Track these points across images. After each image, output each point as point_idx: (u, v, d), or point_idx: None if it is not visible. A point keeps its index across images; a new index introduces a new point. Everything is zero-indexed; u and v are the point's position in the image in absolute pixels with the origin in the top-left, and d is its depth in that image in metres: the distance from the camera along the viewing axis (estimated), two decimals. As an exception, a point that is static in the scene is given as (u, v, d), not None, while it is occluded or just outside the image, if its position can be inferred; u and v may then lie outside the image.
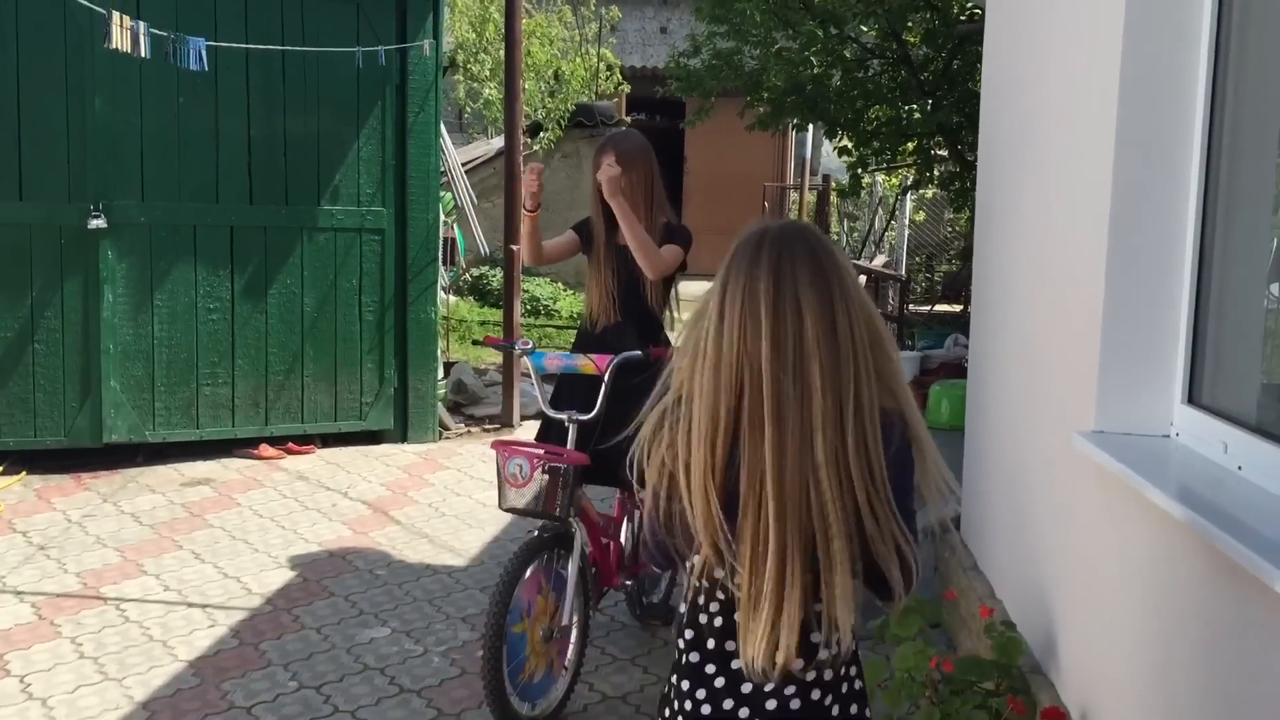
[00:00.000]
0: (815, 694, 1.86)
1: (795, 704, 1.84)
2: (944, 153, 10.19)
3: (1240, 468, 2.43)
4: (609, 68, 16.25)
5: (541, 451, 3.65)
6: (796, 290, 1.78)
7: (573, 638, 3.78)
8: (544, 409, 4.00)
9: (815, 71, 9.65)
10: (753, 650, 1.75)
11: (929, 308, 14.50)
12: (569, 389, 4.18)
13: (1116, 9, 2.80)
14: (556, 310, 12.85)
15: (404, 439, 7.26)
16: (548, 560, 3.69)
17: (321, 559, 5.25)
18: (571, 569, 3.70)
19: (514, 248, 7.89)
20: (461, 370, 8.72)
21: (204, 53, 5.73)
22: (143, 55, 5.49)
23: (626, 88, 16.37)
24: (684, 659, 1.91)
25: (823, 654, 1.82)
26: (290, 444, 6.96)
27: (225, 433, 6.80)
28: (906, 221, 15.15)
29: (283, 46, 6.54)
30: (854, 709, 1.92)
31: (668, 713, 1.94)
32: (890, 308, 12.57)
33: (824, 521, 1.73)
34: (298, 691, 3.95)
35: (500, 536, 5.61)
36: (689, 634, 1.91)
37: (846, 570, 1.74)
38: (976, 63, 9.54)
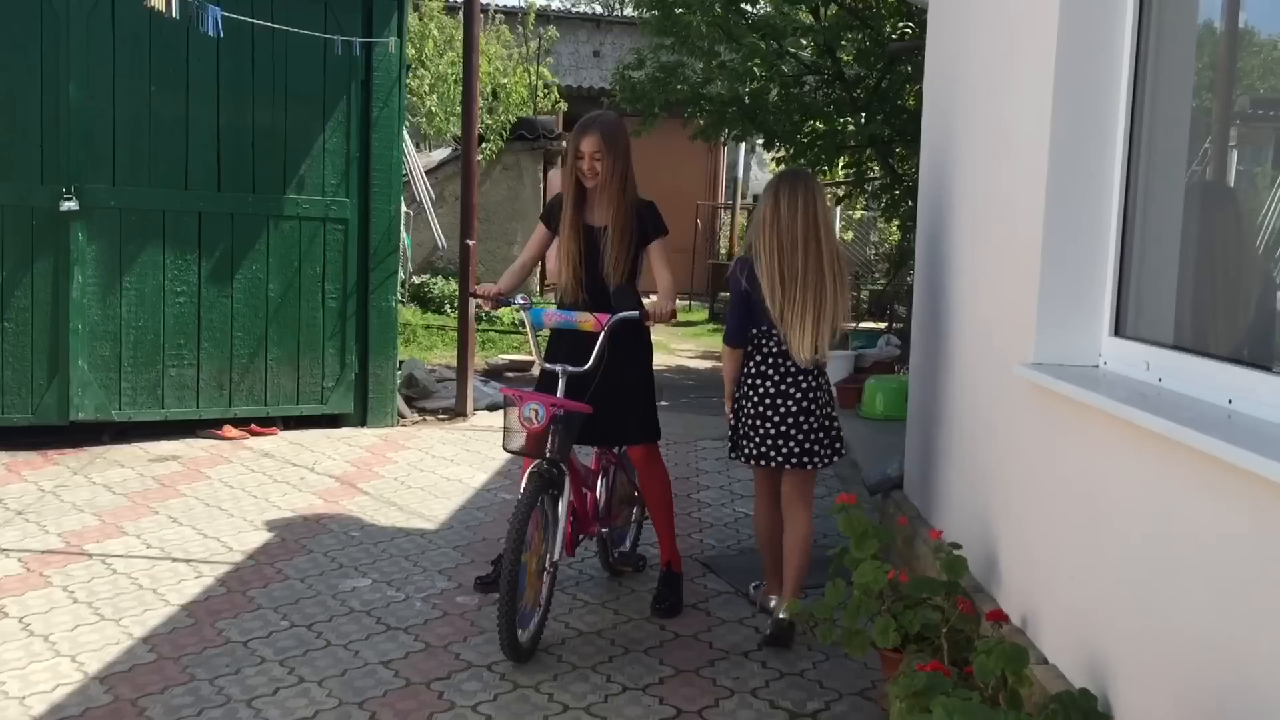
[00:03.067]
0: (814, 378, 4.17)
1: (806, 382, 4.16)
2: (875, 166, 10.71)
3: (1160, 380, 2.83)
4: (546, 85, 16.62)
5: (553, 399, 3.95)
6: (802, 196, 4.09)
7: (547, 579, 4.06)
8: (539, 361, 4.33)
9: (755, 85, 10.11)
10: (799, 349, 4.10)
11: (854, 325, 15.03)
12: (564, 345, 4.35)
13: (1053, -7, 3.22)
14: (498, 316, 13.11)
15: (364, 423, 7.49)
16: (543, 500, 3.94)
17: (296, 523, 5.47)
18: (562, 508, 4.02)
19: (469, 243, 8.19)
20: (413, 365, 8.96)
21: (220, 21, 5.91)
22: (173, 16, 5.62)
23: (564, 105, 16.75)
24: (756, 373, 4.19)
25: (819, 356, 4.14)
26: (253, 425, 7.15)
27: (190, 413, 6.96)
28: (836, 238, 15.66)
29: (253, 19, 6.72)
30: (825, 392, 4.25)
31: (735, 419, 4.30)
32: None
33: (820, 293, 4.08)
34: (290, 630, 4.17)
35: (467, 505, 5.87)
36: (758, 360, 4.20)
37: (829, 316, 4.11)
38: (906, 81, 10.12)
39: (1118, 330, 3.17)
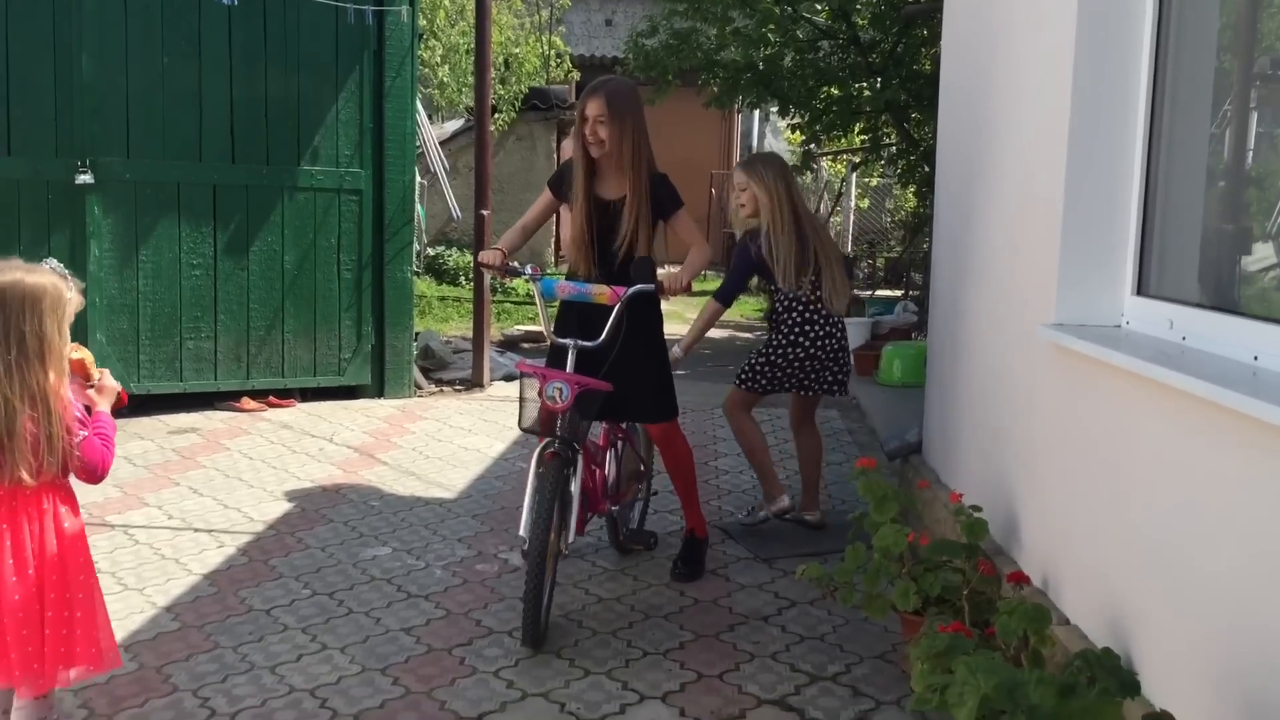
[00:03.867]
0: (843, 324, 4.90)
1: (841, 327, 4.90)
2: (891, 131, 10.63)
3: (1184, 338, 2.81)
4: (559, 55, 16.54)
5: (576, 377, 3.79)
6: (791, 176, 4.80)
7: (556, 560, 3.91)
8: (549, 335, 4.11)
9: (769, 51, 10.03)
10: (835, 299, 4.82)
11: (871, 292, 14.98)
12: (574, 318, 4.16)
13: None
14: (513, 288, 13.11)
15: (380, 394, 7.50)
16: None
17: (316, 493, 5.49)
18: (575, 489, 3.84)
19: (484, 213, 8.17)
20: (428, 337, 8.98)
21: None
22: None
23: (577, 75, 16.67)
24: (802, 321, 4.82)
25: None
26: (271, 397, 7.17)
27: (208, 385, 6.99)
28: (852, 205, 15.60)
29: None
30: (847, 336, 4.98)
31: (782, 358, 4.89)
32: (838, 285, 12.99)
33: (832, 253, 4.88)
34: (312, 598, 4.19)
35: (485, 474, 5.89)
36: (799, 311, 4.83)
37: (840, 266, 4.85)
38: (922, 45, 10.02)
39: (1140, 289, 3.14)
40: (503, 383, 8.36)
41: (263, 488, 5.54)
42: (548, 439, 3.83)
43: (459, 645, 3.77)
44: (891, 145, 11.16)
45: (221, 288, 6.96)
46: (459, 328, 10.78)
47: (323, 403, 7.32)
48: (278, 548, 4.71)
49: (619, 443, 4.51)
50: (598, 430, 4.46)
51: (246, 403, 7.07)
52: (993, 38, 4.18)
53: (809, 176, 15.93)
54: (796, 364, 4.89)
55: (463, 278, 13.04)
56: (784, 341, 4.87)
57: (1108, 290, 3.20)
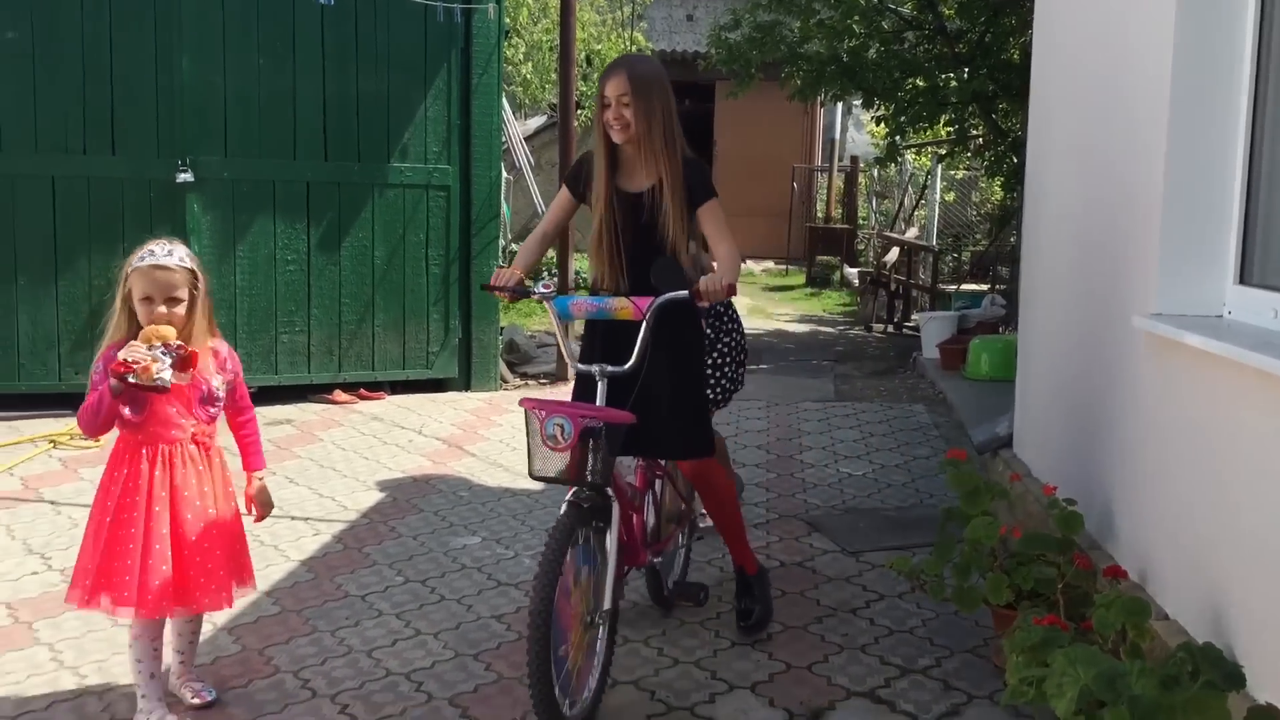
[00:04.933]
0: None
1: None
2: (978, 122, 10.48)
3: (1290, 328, 2.74)
4: (640, 50, 16.58)
5: (584, 410, 3.14)
6: None
7: (603, 631, 3.26)
8: (570, 361, 3.55)
9: (854, 43, 9.96)
10: None
11: (956, 286, 14.79)
12: (599, 340, 3.59)
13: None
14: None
15: (468, 387, 7.62)
16: (583, 536, 3.19)
17: (406, 483, 5.60)
18: (611, 545, 3.21)
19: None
20: (513, 331, 9.09)
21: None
22: None
23: (658, 70, 16.68)
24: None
25: None
26: (362, 389, 7.33)
27: (301, 378, 7.16)
28: (937, 198, 15.40)
29: None
30: None
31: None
32: (923, 279, 12.86)
33: None
34: (405, 585, 4.28)
35: (571, 466, 5.94)
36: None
37: None
38: (1011, 34, 9.86)
39: (1243, 278, 3.07)
40: (587, 376, 8.42)
41: (355, 478, 5.66)
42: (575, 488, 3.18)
43: (549, 632, 3.82)
44: (978, 136, 11.00)
45: (315, 283, 7.12)
46: (541, 322, 10.88)
47: (411, 395, 7.46)
48: (371, 536, 4.81)
49: (657, 482, 3.86)
50: (633, 469, 3.80)
51: (338, 395, 7.23)
52: (1088, 25, 4.11)
53: (893, 169, 15.79)
54: (734, 370, 4.52)
55: (545, 272, 13.16)
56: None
57: (1209, 279, 3.13)
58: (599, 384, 3.30)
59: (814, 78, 10.21)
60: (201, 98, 6.72)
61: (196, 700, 3.23)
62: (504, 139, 9.15)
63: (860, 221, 17.87)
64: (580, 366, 3.42)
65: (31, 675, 3.44)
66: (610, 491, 3.21)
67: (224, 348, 3.27)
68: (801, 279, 16.79)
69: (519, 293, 3.47)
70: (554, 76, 12.43)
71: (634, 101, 3.39)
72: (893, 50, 10.16)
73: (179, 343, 2.97)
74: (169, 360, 2.93)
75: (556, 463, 3.11)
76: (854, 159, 18.36)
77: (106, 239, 6.60)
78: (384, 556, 4.57)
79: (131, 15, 6.57)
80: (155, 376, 2.90)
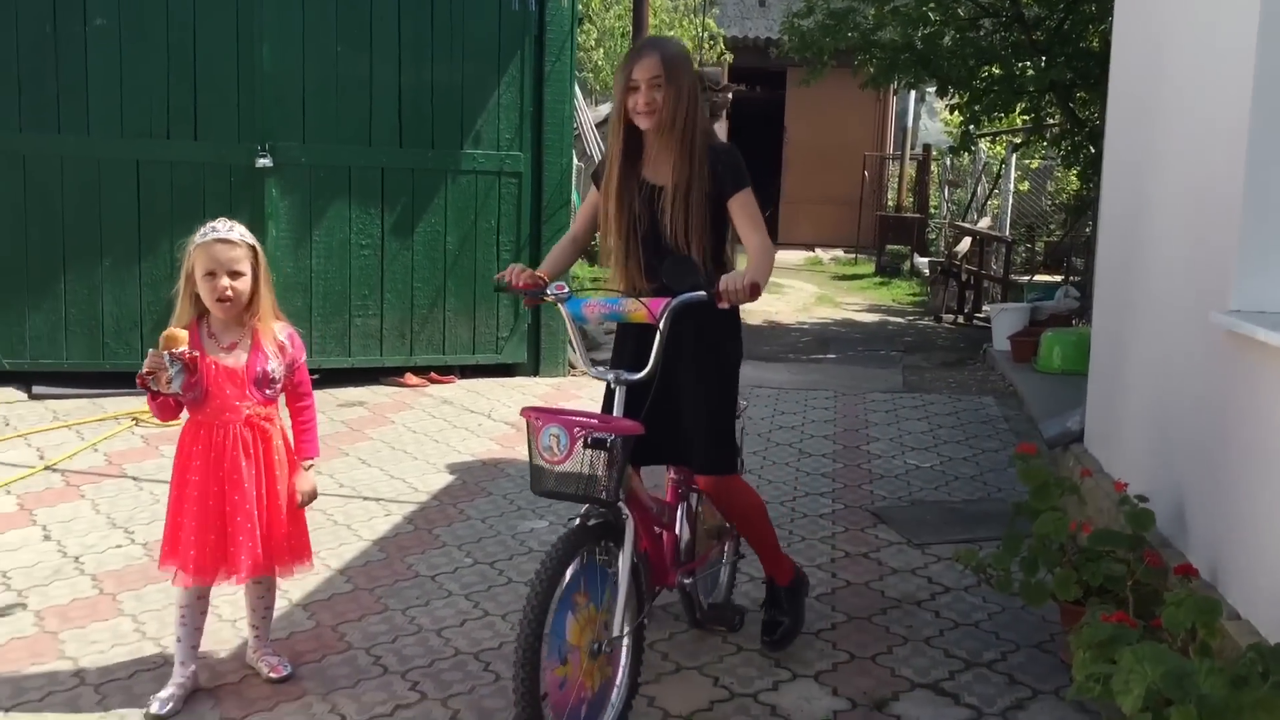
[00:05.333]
0: None
1: None
2: (1055, 111, 10.32)
3: (1374, 326, 2.69)
4: (712, 37, 16.54)
5: (585, 419, 2.89)
6: None
7: (624, 651, 3.06)
8: (585, 367, 3.28)
9: (929, 30, 9.86)
10: None
11: (1029, 277, 14.57)
12: (630, 344, 3.36)
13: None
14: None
15: (536, 372, 7.70)
16: (590, 557, 2.95)
17: (475, 466, 5.68)
18: (623, 566, 2.95)
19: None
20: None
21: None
22: None
23: (729, 57, 16.64)
24: None
25: None
26: (432, 373, 7.44)
27: (374, 361, 7.29)
28: (1011, 188, 15.18)
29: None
30: None
31: None
32: (995, 269, 12.70)
33: None
34: (474, 566, 4.35)
35: (638, 452, 5.98)
36: None
37: None
38: (1090, 21, 9.68)
39: (1325, 275, 3.01)
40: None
41: (426, 460, 5.76)
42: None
43: (615, 617, 3.86)
44: (1055, 126, 10.83)
45: (388, 267, 7.24)
46: (611, 309, 10.94)
47: (480, 380, 7.56)
48: (441, 518, 4.90)
49: (691, 494, 3.59)
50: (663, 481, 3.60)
51: (409, 378, 7.35)
52: (1170, 15, 4.04)
53: (966, 158, 15.59)
54: None
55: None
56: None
57: (1289, 276, 3.08)
58: (616, 391, 3.05)
59: (887, 66, 10.13)
60: (281, 84, 6.86)
61: (273, 674, 3.33)
62: (575, 126, 9.20)
63: (932, 210, 17.68)
64: (595, 372, 3.13)
65: (115, 645, 3.56)
66: (625, 508, 2.96)
67: (285, 331, 3.32)
68: (871, 268, 16.66)
69: (533, 294, 3.22)
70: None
71: (666, 85, 3.15)
72: (968, 37, 10.04)
73: (183, 349, 3.07)
74: (178, 367, 3.05)
75: (559, 477, 2.85)
76: (927, 147, 18.15)
77: (188, 222, 6.63)
78: (453, 538, 4.65)
79: (215, 3, 6.72)
80: (168, 385, 3.04)
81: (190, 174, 6.79)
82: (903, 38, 9.84)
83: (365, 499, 5.13)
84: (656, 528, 3.34)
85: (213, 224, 3.20)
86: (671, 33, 15.30)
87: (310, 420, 3.40)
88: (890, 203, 18.86)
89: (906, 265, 16.21)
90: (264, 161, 6.82)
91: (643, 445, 2.97)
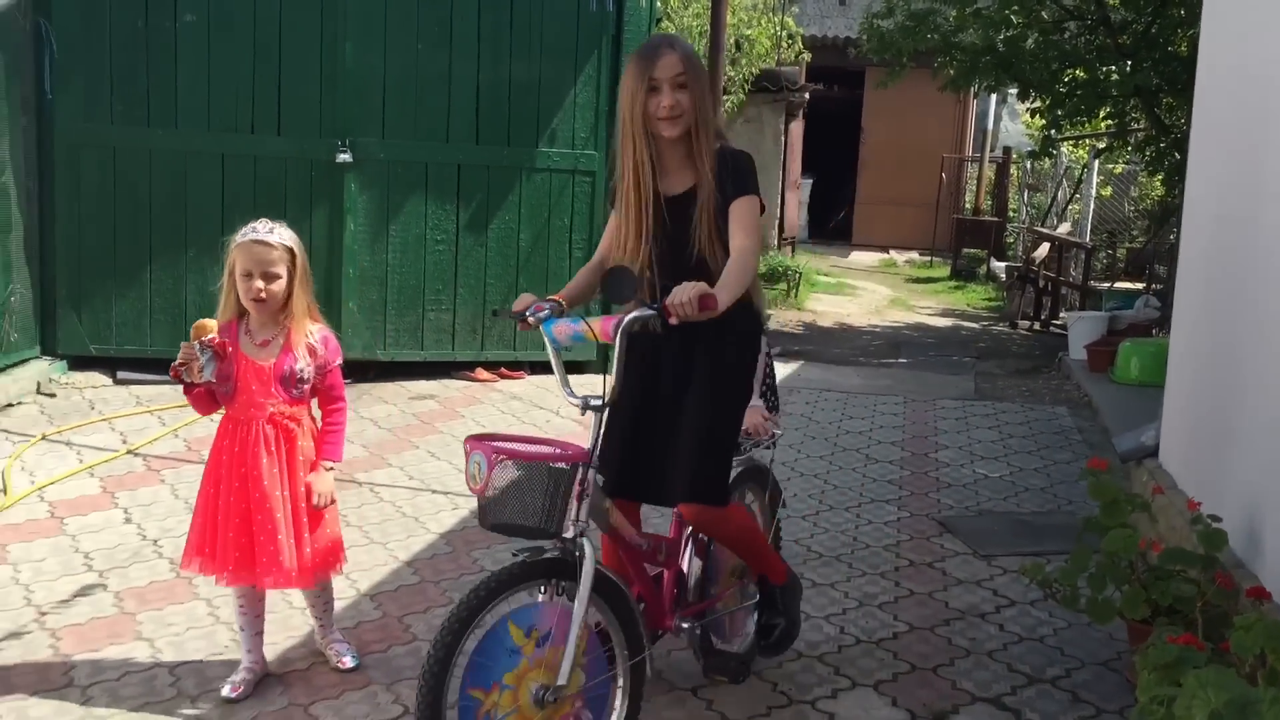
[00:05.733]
0: None
1: None
2: (1140, 116, 10.12)
3: None
4: (790, 36, 16.45)
5: (512, 445, 2.70)
6: None
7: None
8: (561, 390, 2.91)
9: (1011, 33, 9.72)
10: None
11: (1109, 284, 14.31)
12: (641, 357, 3.01)
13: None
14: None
15: (604, 370, 7.71)
16: (541, 594, 2.73)
17: (543, 463, 5.73)
18: (577, 610, 2.65)
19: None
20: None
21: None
22: None
23: (807, 56, 16.54)
24: None
25: None
26: (502, 368, 7.52)
27: (446, 355, 7.39)
28: (1093, 193, 14.90)
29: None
30: None
31: None
32: (1073, 276, 12.49)
33: None
34: (537, 562, 4.40)
35: (704, 453, 6.00)
36: None
37: None
38: (1178, 25, 9.47)
39: None
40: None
41: (494, 455, 5.82)
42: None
43: (675, 618, 3.88)
44: (1139, 131, 10.62)
45: (462, 263, 7.33)
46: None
47: (550, 376, 7.54)
48: (507, 513, 4.95)
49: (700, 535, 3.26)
50: (670, 516, 3.31)
51: (480, 373, 7.44)
52: (1258, 19, 3.95)
53: (1047, 162, 15.34)
54: None
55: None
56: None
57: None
58: (594, 419, 2.77)
59: (968, 68, 10.00)
60: (362, 81, 6.98)
61: (340, 665, 3.40)
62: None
63: (1010, 214, 17.42)
64: (573, 399, 2.83)
65: (190, 628, 3.67)
66: (583, 543, 2.67)
67: (319, 334, 3.31)
68: (946, 271, 16.47)
69: (516, 317, 3.00)
70: (703, 61, 12.46)
71: (691, 85, 2.88)
72: (1051, 41, 9.88)
73: (211, 336, 3.14)
74: (208, 354, 3.13)
75: (490, 508, 2.67)
76: (1006, 150, 17.89)
77: (269, 215, 6.74)
78: (519, 533, 4.70)
79: (300, 1, 6.86)
80: (200, 374, 3.12)
81: (273, 168, 6.94)
82: (984, 40, 9.72)
83: (434, 492, 5.21)
84: (645, 566, 3.05)
85: (254, 224, 3.24)
86: (749, 31, 15.24)
87: (338, 424, 3.39)
88: (968, 205, 18.61)
89: (982, 269, 15.99)
90: (344, 157, 6.94)
91: (629, 478, 2.88)
